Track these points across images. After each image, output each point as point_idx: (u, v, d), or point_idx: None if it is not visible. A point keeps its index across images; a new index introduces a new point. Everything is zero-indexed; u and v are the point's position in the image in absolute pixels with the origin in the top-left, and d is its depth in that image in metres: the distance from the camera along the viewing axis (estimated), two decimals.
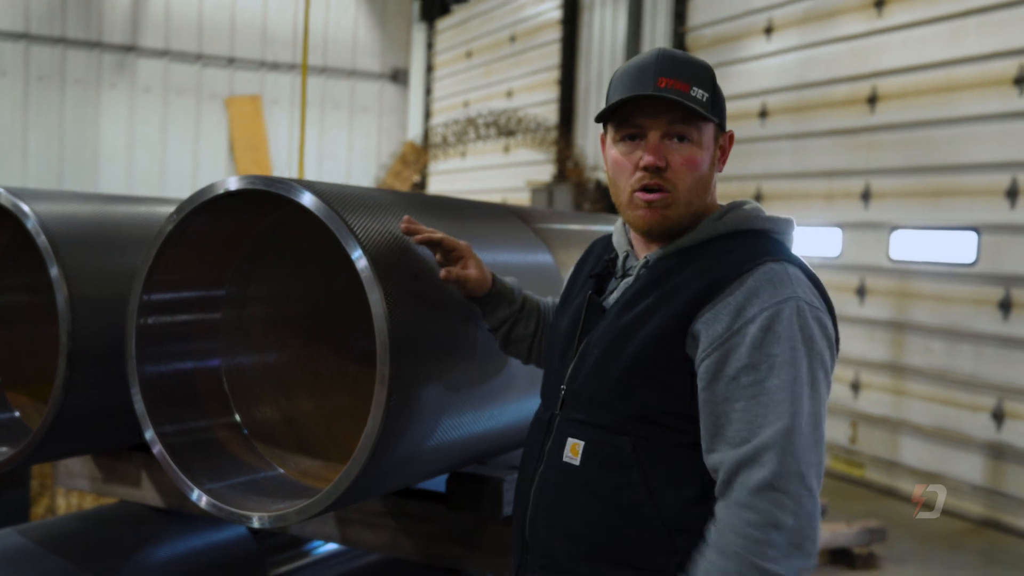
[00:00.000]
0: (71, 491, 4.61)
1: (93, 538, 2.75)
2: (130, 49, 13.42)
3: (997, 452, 6.99)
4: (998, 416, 7.01)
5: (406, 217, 1.97)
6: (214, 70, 14.07)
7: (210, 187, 2.03)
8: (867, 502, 7.38)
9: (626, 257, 1.83)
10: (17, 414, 2.70)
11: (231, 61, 14.16)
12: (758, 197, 9.05)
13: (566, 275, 2.65)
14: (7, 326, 2.79)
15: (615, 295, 1.79)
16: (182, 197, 2.18)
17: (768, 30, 9.09)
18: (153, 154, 13.60)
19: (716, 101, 1.74)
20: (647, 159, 1.70)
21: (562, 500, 1.71)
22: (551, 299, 2.17)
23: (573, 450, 1.71)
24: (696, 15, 10.11)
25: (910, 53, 7.70)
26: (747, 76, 9.33)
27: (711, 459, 1.60)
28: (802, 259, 1.72)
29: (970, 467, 7.17)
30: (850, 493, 7.62)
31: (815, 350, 1.59)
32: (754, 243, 1.70)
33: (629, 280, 1.78)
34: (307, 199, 1.91)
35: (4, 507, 4.65)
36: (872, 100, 8.02)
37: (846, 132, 8.24)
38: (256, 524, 1.93)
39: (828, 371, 1.63)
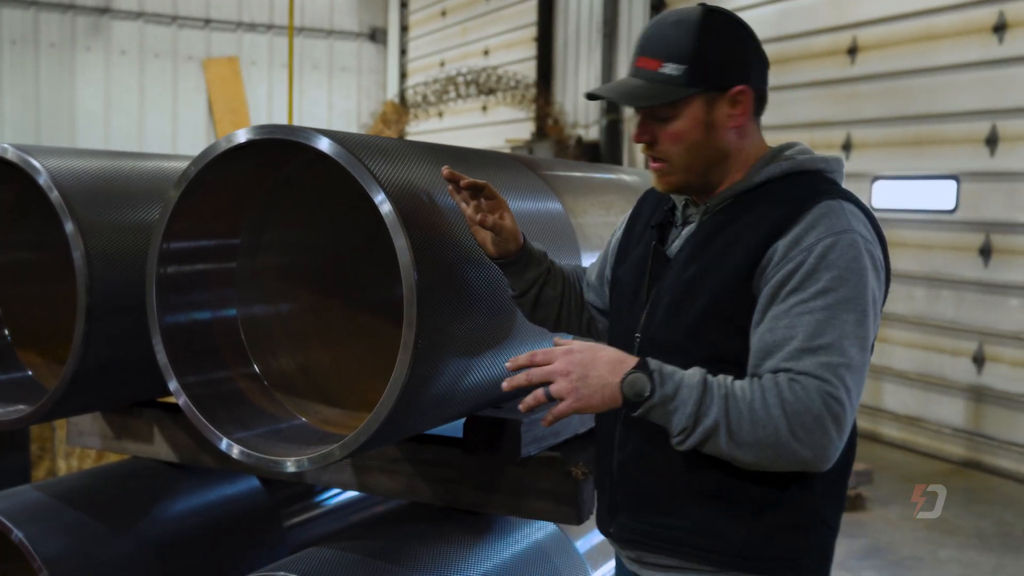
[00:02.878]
0: (71, 454, 4.63)
1: (109, 493, 2.77)
2: (104, 11, 13.20)
3: (978, 395, 7.14)
4: (979, 360, 7.14)
5: (446, 166, 1.97)
6: (190, 31, 13.87)
7: (229, 136, 2.03)
8: None
9: (685, 205, 1.88)
10: (30, 373, 2.71)
11: (207, 22, 13.96)
12: None
13: (576, 221, 2.69)
14: (15, 285, 2.78)
15: (678, 243, 1.84)
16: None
17: None
18: (131, 118, 13.43)
19: (702, 65, 1.73)
20: (632, 137, 1.81)
21: (647, 445, 1.77)
22: (574, 265, 2.21)
23: None
24: None
25: (890, 3, 7.72)
26: None
27: (759, 367, 1.63)
28: (855, 195, 1.77)
29: (952, 410, 7.32)
30: None
31: (864, 281, 1.64)
32: (809, 183, 1.75)
33: (692, 227, 1.83)
34: (325, 144, 1.93)
35: (5, 470, 4.66)
36: (852, 51, 8.06)
37: (827, 83, 8.28)
38: (291, 468, 1.96)
39: (877, 302, 1.68)
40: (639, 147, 1.88)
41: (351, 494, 3.15)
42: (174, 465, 2.85)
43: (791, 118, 8.57)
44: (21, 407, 2.48)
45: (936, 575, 5.19)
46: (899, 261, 7.73)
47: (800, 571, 1.74)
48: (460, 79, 12.68)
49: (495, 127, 13.09)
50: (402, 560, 2.19)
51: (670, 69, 1.73)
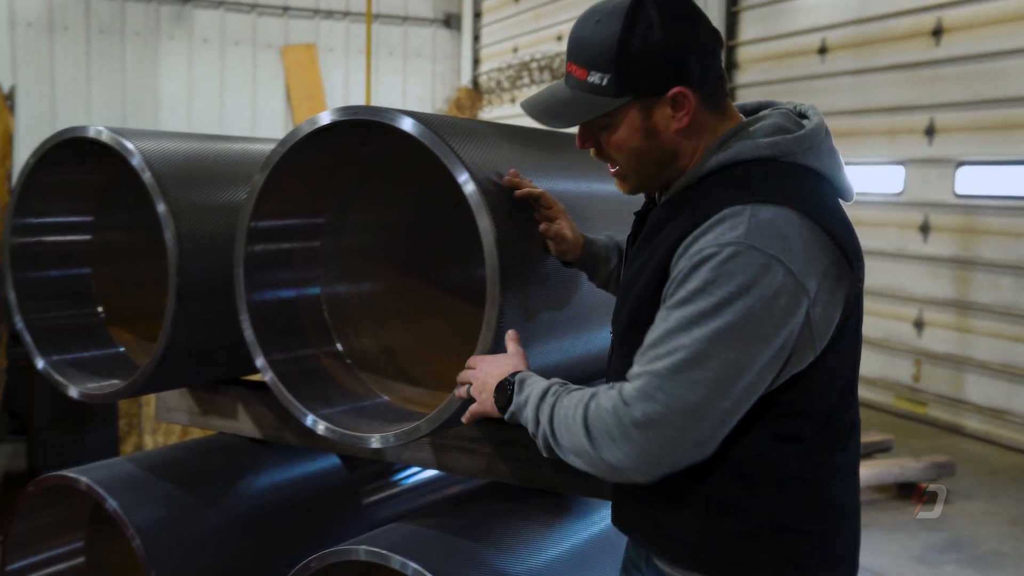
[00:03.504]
0: (157, 430, 4.76)
1: (196, 467, 2.85)
2: (187, 0, 13.51)
3: None
4: None
5: (512, 171, 1.97)
6: (269, 19, 14.10)
7: (314, 118, 2.07)
8: (931, 439, 7.36)
9: (659, 196, 1.78)
10: (122, 349, 2.80)
11: (285, 10, 14.18)
12: None
13: None
14: (108, 264, 2.87)
15: None
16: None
17: None
18: (212, 104, 13.73)
19: (629, 72, 1.58)
20: (576, 142, 1.71)
21: None
22: None
23: None
24: None
25: None
26: (805, 12, 9.14)
27: None
28: (800, 189, 1.55)
29: None
30: (913, 431, 7.60)
31: (732, 297, 1.46)
32: (734, 180, 1.57)
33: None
34: (409, 125, 1.95)
35: (95, 445, 4.83)
36: (937, 32, 7.83)
37: (909, 66, 8.06)
38: (376, 444, 2.00)
39: (753, 323, 1.47)
40: None
41: (427, 474, 3.19)
42: (257, 441, 2.91)
43: (871, 103, 8.37)
44: (115, 382, 2.57)
45: (1020, 571, 5.06)
46: (984, 249, 7.51)
47: None
48: (534, 65, 12.66)
49: None
50: (481, 538, 2.21)
51: (595, 78, 1.59)
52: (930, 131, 7.91)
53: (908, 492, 5.96)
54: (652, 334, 1.53)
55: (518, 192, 1.95)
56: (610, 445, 1.51)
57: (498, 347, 1.89)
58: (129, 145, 2.37)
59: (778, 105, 1.72)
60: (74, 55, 12.82)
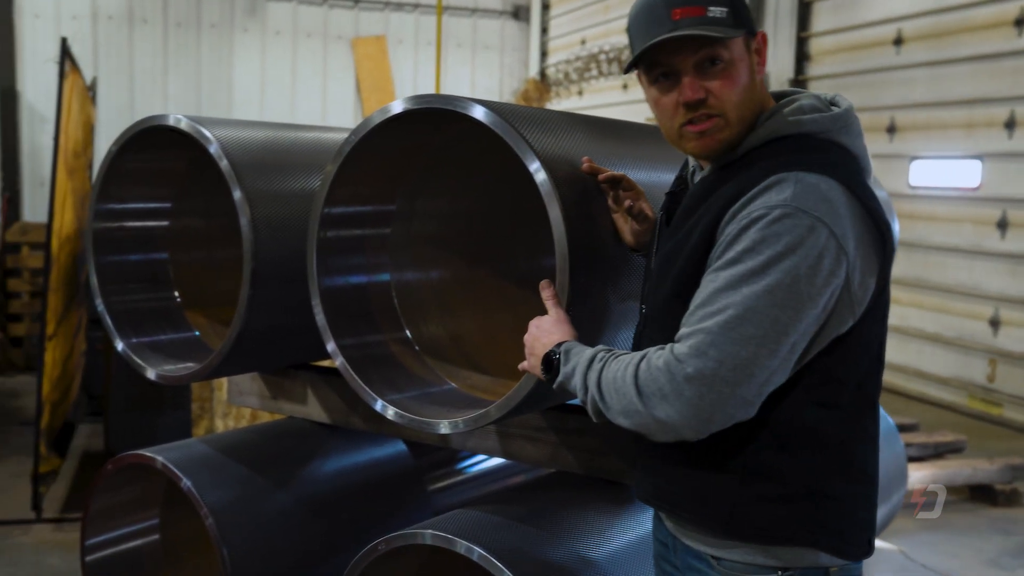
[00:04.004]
0: (228, 414, 4.87)
1: (267, 450, 2.91)
2: None
3: None
4: None
5: (586, 158, 2.00)
6: (340, 11, 14.26)
7: (386, 107, 2.10)
8: (1006, 441, 7.16)
9: (694, 171, 1.84)
10: (197, 333, 2.87)
11: (356, 2, 14.33)
12: (891, 129, 8.73)
13: None
14: (185, 250, 2.95)
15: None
16: None
17: None
18: (284, 95, 13.95)
19: (737, 7, 1.67)
20: (686, 95, 1.67)
21: None
22: None
23: None
24: None
25: None
26: (880, 3, 8.94)
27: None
28: (838, 162, 1.63)
29: None
30: (988, 432, 7.41)
31: (789, 256, 1.53)
32: (785, 152, 1.64)
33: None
34: (480, 113, 1.96)
35: (169, 427, 4.96)
36: (1019, 22, 7.60)
37: (989, 57, 7.84)
38: (445, 430, 2.02)
39: (802, 279, 1.53)
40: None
41: (492, 463, 3.21)
42: (326, 426, 2.97)
43: (948, 95, 8.17)
44: (190, 364, 2.64)
45: None
46: None
47: (797, 542, 1.66)
48: (603, 57, 12.60)
49: (635, 105, 12.96)
50: (546, 525, 2.22)
51: (716, 12, 1.64)
52: (1010, 124, 7.69)
53: (982, 495, 5.82)
54: (700, 295, 1.58)
55: (601, 176, 1.98)
56: (661, 403, 1.55)
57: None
58: (207, 133, 2.43)
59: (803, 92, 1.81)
60: (152, 47, 13.13)
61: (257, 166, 2.46)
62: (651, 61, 1.70)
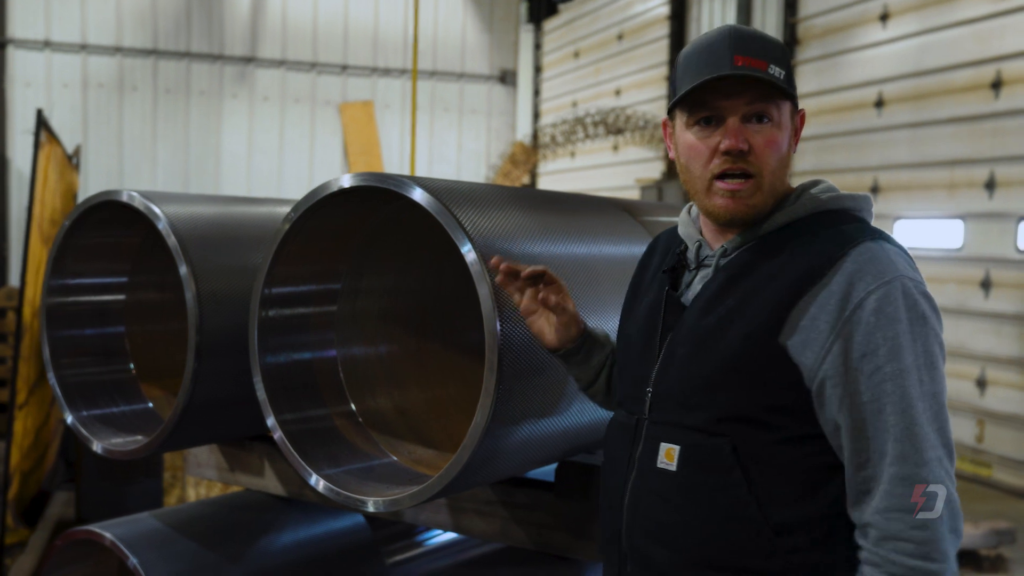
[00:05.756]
0: (200, 481, 4.84)
1: (220, 523, 2.88)
2: (250, 60, 13.97)
3: None
4: None
5: (495, 258, 1.83)
6: (328, 77, 14.49)
7: (325, 184, 2.12)
8: (995, 503, 7.10)
9: (698, 248, 1.74)
10: (151, 405, 2.86)
11: (344, 68, 14.56)
12: (875, 189, 8.80)
13: None
14: (141, 322, 2.95)
15: (693, 289, 1.71)
16: (298, 198, 2.27)
17: (884, 16, 8.82)
18: (271, 160, 14.12)
19: (791, 79, 1.66)
20: (728, 143, 1.61)
21: (660, 508, 1.65)
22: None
23: (668, 455, 1.64)
24: (808, 4, 9.89)
25: None
26: (862, 65, 9.08)
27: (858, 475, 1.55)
28: (889, 235, 1.65)
29: None
30: (977, 494, 7.34)
31: (928, 326, 1.55)
32: (839, 224, 1.63)
33: (708, 272, 1.69)
34: (418, 194, 1.98)
35: (140, 496, 4.92)
36: (996, 85, 7.71)
37: (969, 119, 7.93)
38: (371, 508, 2.01)
39: (943, 346, 1.57)
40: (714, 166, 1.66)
41: (449, 535, 3.18)
42: (283, 498, 2.94)
43: (930, 156, 8.24)
44: (139, 437, 2.63)
45: None
46: None
47: None
48: (588, 119, 12.76)
49: (626, 166, 13.09)
50: None
51: (776, 71, 1.61)
52: (990, 185, 7.75)
53: (967, 560, 5.74)
54: (872, 400, 1.52)
55: (523, 274, 1.79)
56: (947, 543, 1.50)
57: (497, 413, 1.89)
58: (156, 209, 2.45)
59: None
60: (141, 114, 13.33)
61: (205, 241, 2.47)
62: (697, 101, 1.64)
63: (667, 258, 1.82)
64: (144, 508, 4.00)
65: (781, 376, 1.57)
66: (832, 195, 1.69)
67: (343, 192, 2.09)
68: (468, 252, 1.90)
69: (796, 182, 1.74)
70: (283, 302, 2.29)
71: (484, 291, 1.87)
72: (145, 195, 2.52)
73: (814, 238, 1.61)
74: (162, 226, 2.43)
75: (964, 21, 7.97)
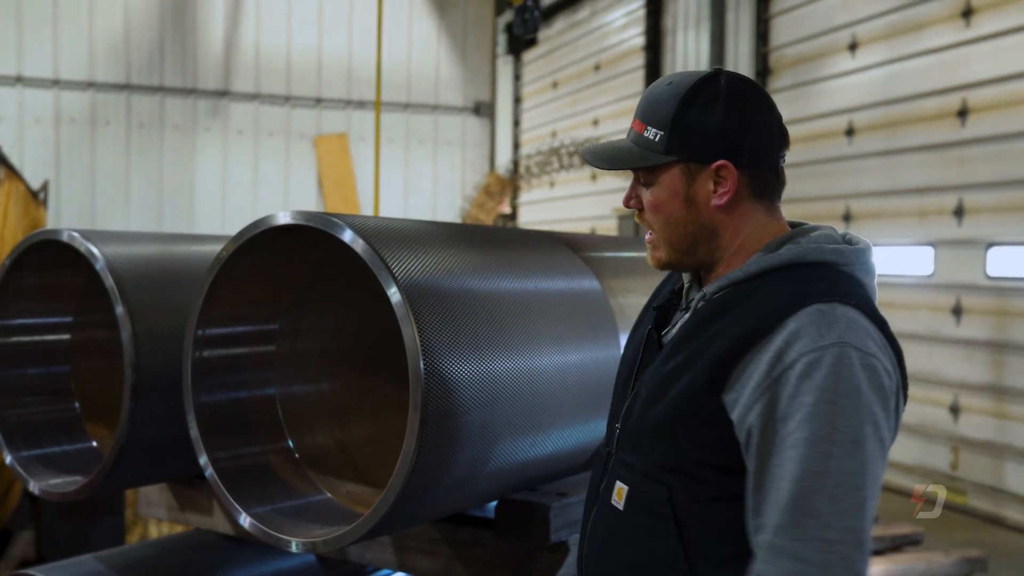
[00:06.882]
0: (162, 521, 4.79)
1: (168, 565, 2.85)
2: (223, 94, 14.00)
3: None
4: None
5: None
6: (302, 110, 14.54)
7: (256, 223, 2.11)
8: (970, 530, 7.08)
9: (689, 288, 1.76)
10: (95, 444, 2.84)
11: (318, 101, 14.61)
12: (847, 217, 8.85)
13: (616, 302, 2.67)
14: (86, 360, 2.94)
15: (676, 330, 1.71)
16: None
17: (852, 46, 8.92)
18: (246, 193, 14.12)
19: (679, 133, 1.62)
20: (623, 200, 1.73)
21: (607, 543, 1.68)
22: None
23: (619, 494, 1.66)
24: (779, 35, 9.99)
25: (1001, 63, 7.45)
26: (832, 94, 9.16)
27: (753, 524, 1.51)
28: (866, 297, 1.59)
29: None
30: (952, 521, 7.33)
31: (860, 400, 1.46)
32: (808, 280, 1.57)
33: (687, 315, 1.69)
34: (347, 235, 1.98)
35: (101, 534, 4.87)
36: (962, 113, 7.79)
37: (937, 147, 8.01)
38: (294, 549, 1.99)
39: (879, 424, 1.48)
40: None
41: (401, 574, 3.15)
42: (234, 538, 2.91)
43: (900, 184, 8.31)
44: (78, 478, 2.60)
45: None
46: (1020, 332, 7.32)
47: None
48: (563, 150, 12.82)
49: (604, 196, 13.14)
50: None
51: (650, 133, 1.64)
52: (959, 212, 7.81)
53: None
54: (778, 477, 1.45)
55: None
56: None
57: (423, 453, 1.88)
58: (94, 250, 2.45)
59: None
60: (114, 148, 13.34)
61: (144, 280, 2.47)
62: None
63: (661, 294, 1.85)
64: (106, 546, 3.95)
65: (717, 432, 1.54)
66: (813, 246, 1.61)
67: (272, 231, 2.09)
68: (394, 294, 1.90)
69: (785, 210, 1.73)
70: (218, 343, 2.29)
71: (408, 332, 1.87)
72: (85, 235, 2.52)
73: (773, 295, 1.56)
74: (100, 266, 2.43)
75: (930, 50, 8.06)
